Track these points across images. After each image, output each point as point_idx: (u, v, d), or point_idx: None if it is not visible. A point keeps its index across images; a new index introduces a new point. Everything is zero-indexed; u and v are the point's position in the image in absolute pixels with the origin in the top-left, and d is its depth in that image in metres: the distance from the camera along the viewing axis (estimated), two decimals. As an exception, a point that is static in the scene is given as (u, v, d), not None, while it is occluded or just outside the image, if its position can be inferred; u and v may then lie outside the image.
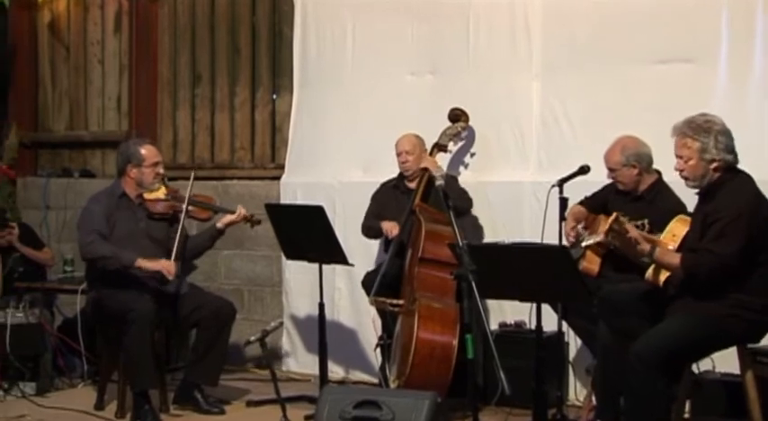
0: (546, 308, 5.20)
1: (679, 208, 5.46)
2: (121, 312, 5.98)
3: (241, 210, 6.40)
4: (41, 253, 7.71)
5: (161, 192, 6.36)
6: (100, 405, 6.38)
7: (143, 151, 6.32)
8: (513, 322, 6.49)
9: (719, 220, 4.81)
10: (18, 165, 8.91)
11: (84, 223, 6.24)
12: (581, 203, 5.98)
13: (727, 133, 4.92)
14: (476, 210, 6.71)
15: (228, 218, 6.40)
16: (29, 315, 6.82)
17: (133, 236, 6.26)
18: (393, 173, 6.84)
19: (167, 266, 6.12)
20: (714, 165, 4.89)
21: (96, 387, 6.55)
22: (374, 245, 7.00)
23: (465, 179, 6.81)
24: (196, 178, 6.44)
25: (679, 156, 4.97)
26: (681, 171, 4.99)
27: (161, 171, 6.37)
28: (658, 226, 5.18)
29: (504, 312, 6.56)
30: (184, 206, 6.27)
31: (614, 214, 4.93)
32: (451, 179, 6.55)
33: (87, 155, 8.88)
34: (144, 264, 6.10)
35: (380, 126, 7.13)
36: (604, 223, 5.07)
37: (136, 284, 6.13)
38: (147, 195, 6.33)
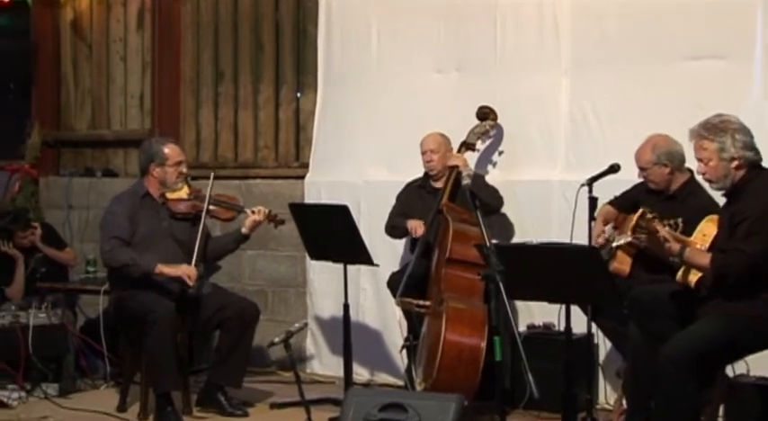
0: (575, 309, 5.13)
1: (712, 207, 5.37)
2: (142, 313, 5.95)
3: (250, 214, 6.32)
4: (64, 253, 7.72)
5: (183, 192, 6.33)
6: (122, 406, 6.36)
7: (166, 150, 6.29)
8: (541, 324, 6.41)
9: (746, 220, 4.75)
10: (40, 165, 8.90)
11: (104, 228, 6.21)
12: (610, 203, 5.92)
13: (744, 131, 4.86)
14: (504, 210, 6.64)
15: (251, 219, 6.32)
16: (51, 316, 6.81)
17: (156, 235, 6.23)
18: (419, 172, 6.77)
19: (188, 271, 6.06)
20: (735, 163, 4.83)
21: (119, 388, 6.53)
22: (400, 245, 6.93)
23: (493, 178, 6.74)
24: (217, 178, 6.41)
25: (699, 159, 4.94)
26: (703, 174, 4.96)
27: (184, 170, 6.34)
28: (691, 225, 5.11)
29: (533, 314, 6.49)
30: (205, 206, 6.22)
31: (640, 210, 4.90)
32: (480, 177, 6.48)
33: (110, 154, 8.86)
34: (165, 269, 6.06)
35: (406, 124, 7.06)
36: (632, 221, 5.00)
37: (158, 285, 6.08)
38: (169, 195, 6.30)
